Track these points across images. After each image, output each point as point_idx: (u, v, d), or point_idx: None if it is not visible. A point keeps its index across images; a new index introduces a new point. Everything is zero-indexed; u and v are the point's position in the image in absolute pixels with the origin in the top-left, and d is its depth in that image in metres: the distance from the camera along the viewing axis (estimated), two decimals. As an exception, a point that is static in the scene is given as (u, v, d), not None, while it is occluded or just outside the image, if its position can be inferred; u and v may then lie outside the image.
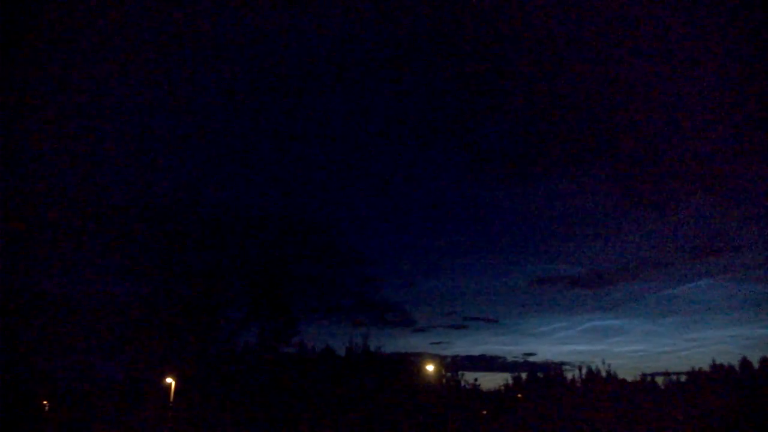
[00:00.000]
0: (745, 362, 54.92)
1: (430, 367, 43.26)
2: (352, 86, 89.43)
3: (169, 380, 39.82)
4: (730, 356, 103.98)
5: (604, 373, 48.78)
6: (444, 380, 45.28)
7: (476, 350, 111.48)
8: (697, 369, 55.70)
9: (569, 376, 50.93)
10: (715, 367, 54.83)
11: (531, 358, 76.93)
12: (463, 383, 45.58)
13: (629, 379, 52.34)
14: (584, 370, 49.22)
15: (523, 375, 51.29)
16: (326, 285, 40.94)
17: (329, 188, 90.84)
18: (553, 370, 50.58)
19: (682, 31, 71.55)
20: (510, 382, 50.57)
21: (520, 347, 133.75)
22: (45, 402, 44.94)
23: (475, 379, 46.91)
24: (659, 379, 54.77)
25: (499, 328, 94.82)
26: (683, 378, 54.25)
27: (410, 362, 44.75)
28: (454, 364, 48.85)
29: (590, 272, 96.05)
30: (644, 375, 53.67)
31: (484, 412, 47.41)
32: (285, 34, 75.71)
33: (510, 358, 76.79)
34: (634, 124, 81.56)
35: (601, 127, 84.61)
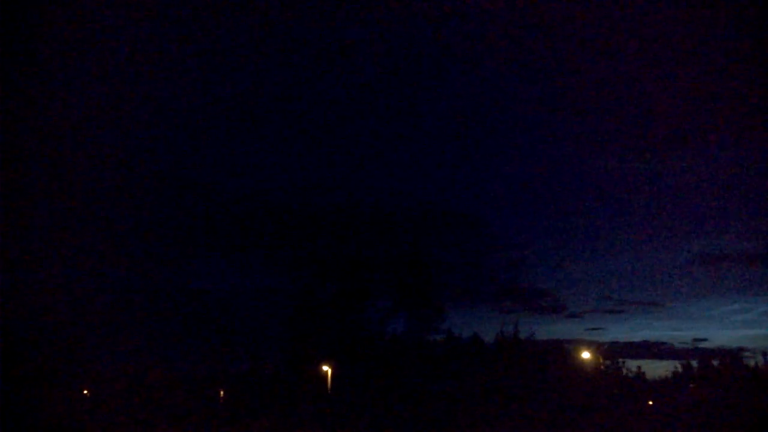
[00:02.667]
0: None
1: (586, 355, 40.68)
2: (486, 73, 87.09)
3: (325, 368, 41.64)
4: None
5: (794, 360, 42.51)
6: (603, 368, 42.34)
7: (637, 336, 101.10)
8: None
9: (750, 363, 45.04)
10: None
11: (702, 344, 68.86)
12: (625, 372, 42.27)
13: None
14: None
15: (694, 363, 46.32)
16: (473, 272, 40.30)
17: (472, 175, 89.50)
18: (729, 357, 45.09)
19: None
20: (679, 369, 45.91)
21: (688, 332, 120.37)
22: (221, 392, 49.70)
23: (638, 367, 43.29)
24: None
25: (662, 312, 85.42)
26: None
27: (564, 350, 42.49)
28: (612, 352, 45.47)
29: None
30: None
31: (650, 403, 43.58)
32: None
33: (677, 345, 69.37)
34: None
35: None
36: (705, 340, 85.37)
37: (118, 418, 45.68)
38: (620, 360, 43.14)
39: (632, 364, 46.14)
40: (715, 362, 45.35)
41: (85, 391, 54.46)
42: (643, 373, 43.64)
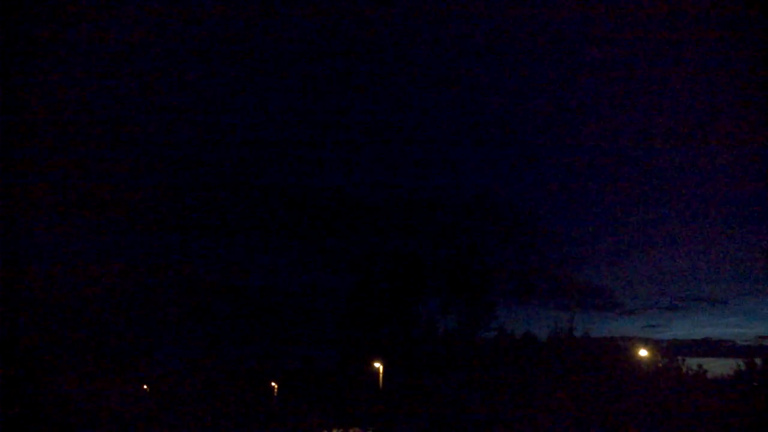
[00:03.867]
0: None
1: (643, 352, 39.84)
2: (536, 64, 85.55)
3: (377, 365, 42.28)
4: None
5: None
6: (660, 366, 41.30)
7: (698, 333, 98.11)
8: None
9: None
10: None
11: (767, 342, 66.28)
12: (685, 369, 41.05)
13: None
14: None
15: (758, 361, 44.43)
16: (526, 268, 40.06)
17: (528, 170, 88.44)
18: (796, 355, 43.06)
19: None
20: (743, 368, 44.16)
21: (753, 330, 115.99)
22: (275, 387, 51.11)
23: (699, 365, 41.92)
24: None
25: (725, 309, 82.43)
26: None
27: (620, 347, 41.66)
28: (671, 349, 44.18)
29: None
30: None
31: (711, 402, 42.24)
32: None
33: (740, 342, 66.90)
34: None
35: None
36: None
37: (174, 413, 47.66)
38: (680, 358, 41.81)
39: (693, 363, 44.75)
40: (780, 361, 43.43)
41: (145, 386, 56.98)
42: (705, 372, 42.10)
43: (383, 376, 42.03)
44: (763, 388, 41.87)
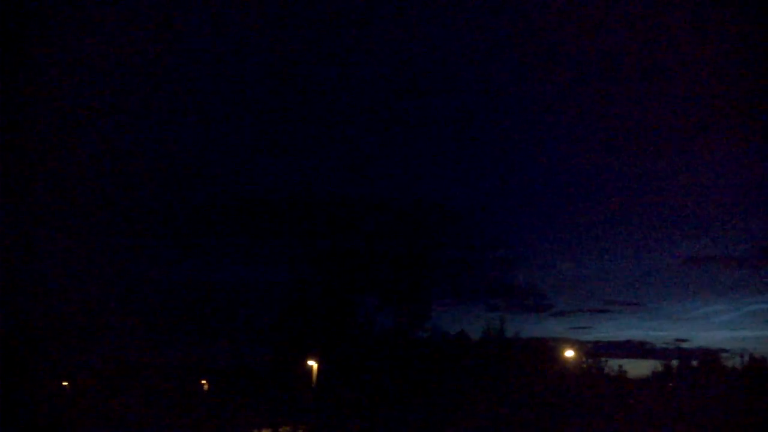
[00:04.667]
0: None
1: (569, 353, 41.40)
2: (483, 70, 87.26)
3: (311, 363, 41.77)
4: None
5: (771, 362, 43.74)
6: (585, 367, 43.09)
7: (622, 335, 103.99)
8: None
9: (729, 364, 46.19)
10: None
11: (684, 345, 70.71)
12: (607, 370, 43.06)
13: (801, 367, 46.68)
14: (746, 358, 44.46)
15: (674, 362, 47.32)
16: (463, 269, 40.66)
17: (466, 172, 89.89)
18: (709, 358, 46.13)
19: None
20: (660, 369, 46.87)
21: (671, 333, 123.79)
22: (205, 384, 49.61)
23: (620, 366, 44.13)
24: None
25: (647, 312, 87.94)
26: None
27: (548, 347, 43.12)
28: (596, 350, 46.28)
29: (755, 249, 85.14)
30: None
31: (631, 401, 44.46)
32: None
33: (659, 344, 70.96)
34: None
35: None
36: (687, 340, 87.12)
37: (98, 409, 45.38)
38: (603, 359, 43.86)
39: (615, 363, 47.00)
40: (694, 362, 46.37)
41: (65, 383, 53.87)
42: (625, 372, 44.36)
43: (318, 375, 41.60)
44: (677, 389, 44.57)
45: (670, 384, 45.03)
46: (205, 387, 50.73)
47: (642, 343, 65.47)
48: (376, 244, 38.95)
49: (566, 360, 41.51)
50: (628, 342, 67.57)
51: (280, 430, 41.12)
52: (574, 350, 41.61)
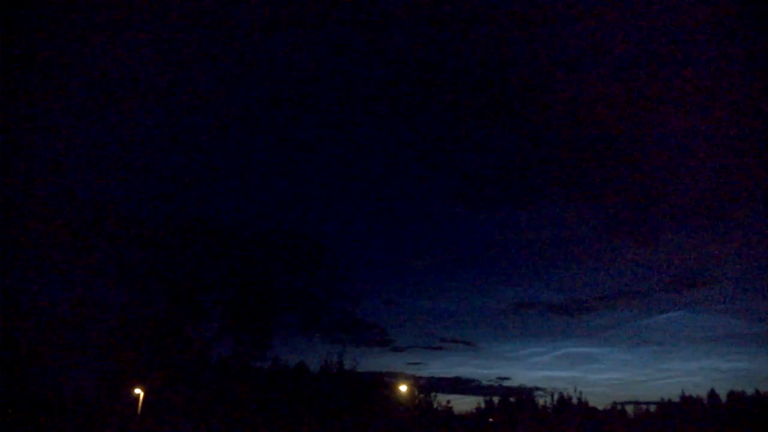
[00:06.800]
0: (712, 395, 56.04)
1: (403, 388, 43.34)
2: (342, 108, 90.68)
3: (137, 391, 39.35)
4: (699, 388, 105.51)
5: (575, 400, 49.39)
6: (417, 401, 45.26)
7: (452, 372, 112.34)
8: (666, 400, 56.84)
9: (541, 401, 51.30)
10: (685, 399, 55.87)
11: (505, 383, 77.17)
12: (435, 405, 45.59)
13: (600, 407, 53.10)
14: (556, 396, 49.75)
15: (496, 399, 51.49)
16: (305, 300, 40.94)
17: (315, 204, 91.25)
18: (525, 395, 50.89)
19: (667, 69, 74.36)
20: (482, 405, 50.68)
21: (495, 371, 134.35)
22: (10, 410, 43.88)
23: (448, 401, 47.01)
24: (629, 408, 55.64)
25: (476, 351, 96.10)
26: (653, 408, 55.18)
27: (384, 382, 44.75)
28: (429, 386, 48.88)
29: (569, 299, 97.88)
30: (615, 403, 54.46)
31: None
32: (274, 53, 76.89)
33: (485, 382, 77.15)
34: (619, 157, 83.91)
35: (587, 158, 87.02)
36: (508, 378, 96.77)
37: None
38: (432, 394, 46.41)
39: (444, 398, 50.03)
40: (512, 399, 50.83)
41: None
42: (451, 407, 47.26)
43: (152, 401, 39.26)
44: (496, 424, 48.49)
45: (491, 419, 48.87)
46: (9, 416, 45.06)
47: (470, 380, 70.76)
48: (217, 269, 38.10)
49: (400, 394, 43.41)
50: (457, 378, 72.59)
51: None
52: (408, 385, 43.68)
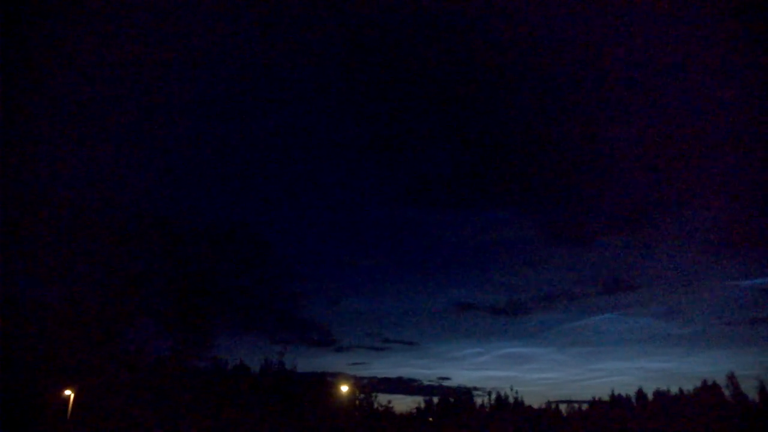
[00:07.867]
0: (640, 393, 59.03)
1: (344, 388, 43.55)
2: (290, 104, 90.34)
3: (67, 392, 38.03)
4: (628, 387, 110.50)
5: (512, 400, 50.91)
6: (357, 402, 45.56)
7: (395, 372, 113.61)
8: (597, 398, 59.55)
9: (479, 401, 52.60)
10: (614, 398, 58.63)
11: (446, 383, 78.60)
12: (376, 405, 45.97)
13: (536, 405, 54.97)
14: (493, 396, 51.11)
15: (435, 399, 52.36)
16: (247, 298, 40.33)
17: (260, 201, 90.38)
18: (464, 395, 51.98)
19: (600, 84, 77.91)
20: (422, 405, 51.43)
21: (436, 371, 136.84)
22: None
23: (389, 402, 47.47)
24: (563, 407, 57.91)
25: (418, 351, 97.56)
26: (585, 406, 57.60)
27: (326, 382, 44.84)
28: (371, 386, 49.17)
29: (509, 301, 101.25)
30: (549, 402, 56.54)
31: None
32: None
33: (426, 382, 78.40)
34: (559, 166, 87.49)
35: (530, 166, 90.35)
36: (449, 378, 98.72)
37: None
38: (373, 394, 46.76)
39: (385, 399, 50.53)
40: (451, 399, 51.86)
41: None
42: (392, 408, 47.74)
43: (85, 401, 37.93)
44: (435, 424, 49.33)
45: (430, 419, 49.66)
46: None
47: (412, 380, 71.72)
48: (156, 264, 37.08)
49: (341, 395, 43.58)
50: (399, 378, 73.45)
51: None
52: (349, 385, 43.90)
